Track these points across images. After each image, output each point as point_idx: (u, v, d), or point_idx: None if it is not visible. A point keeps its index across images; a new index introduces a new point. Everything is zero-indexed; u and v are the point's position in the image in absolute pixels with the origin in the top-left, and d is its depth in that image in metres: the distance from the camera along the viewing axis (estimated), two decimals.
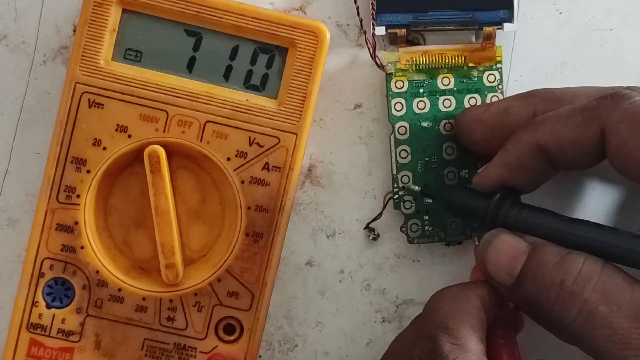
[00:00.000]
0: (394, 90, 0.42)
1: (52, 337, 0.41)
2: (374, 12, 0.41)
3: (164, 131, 0.41)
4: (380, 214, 0.43)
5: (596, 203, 0.43)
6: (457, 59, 0.42)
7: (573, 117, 0.37)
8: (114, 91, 0.40)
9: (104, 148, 0.40)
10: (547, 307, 0.35)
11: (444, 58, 0.42)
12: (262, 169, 0.41)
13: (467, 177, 0.42)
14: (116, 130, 0.40)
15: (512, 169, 0.38)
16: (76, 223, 0.41)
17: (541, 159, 0.38)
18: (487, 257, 0.37)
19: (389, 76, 0.42)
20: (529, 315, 0.38)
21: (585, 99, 0.38)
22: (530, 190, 0.40)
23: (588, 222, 0.37)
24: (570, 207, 0.43)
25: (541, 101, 0.39)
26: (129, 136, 0.40)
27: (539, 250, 0.36)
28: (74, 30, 0.42)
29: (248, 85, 0.41)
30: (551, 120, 0.37)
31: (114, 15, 0.40)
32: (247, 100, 0.41)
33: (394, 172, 0.42)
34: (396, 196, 0.42)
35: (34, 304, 0.41)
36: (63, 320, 0.41)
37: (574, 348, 0.36)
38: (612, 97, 0.36)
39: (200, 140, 0.41)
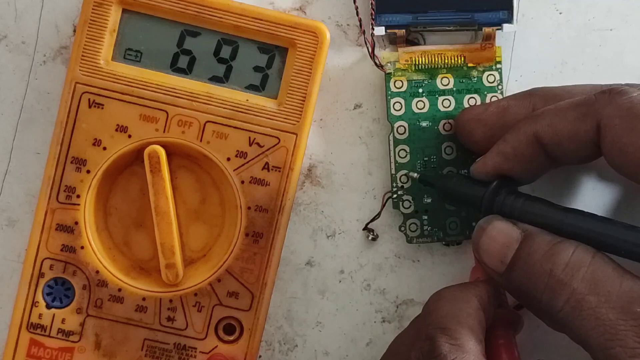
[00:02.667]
0: (393, 90, 0.42)
1: (52, 337, 0.41)
2: (373, 12, 0.41)
3: (164, 131, 0.41)
4: (379, 214, 0.43)
5: (592, 199, 0.43)
6: (456, 59, 0.42)
7: (571, 111, 0.37)
8: (114, 91, 0.40)
9: (104, 148, 0.40)
10: (536, 295, 0.35)
11: (443, 58, 0.42)
12: (262, 169, 0.41)
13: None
14: (116, 130, 0.40)
15: (509, 159, 0.38)
16: (76, 223, 0.41)
17: (538, 150, 0.38)
18: (481, 243, 0.38)
19: (388, 76, 0.42)
20: (521, 302, 0.38)
21: (584, 96, 0.38)
22: (527, 182, 0.40)
23: (583, 212, 0.37)
24: (566, 202, 0.43)
25: (540, 99, 0.39)
26: (129, 136, 0.40)
27: (530, 238, 0.36)
28: (74, 30, 0.42)
29: (248, 85, 0.41)
30: (550, 113, 0.38)
31: (114, 15, 0.40)
32: (247, 100, 0.41)
33: (393, 171, 0.42)
34: (395, 195, 0.42)
35: (34, 304, 0.41)
36: (63, 320, 0.41)
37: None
38: (610, 92, 0.36)
39: (200, 140, 0.41)
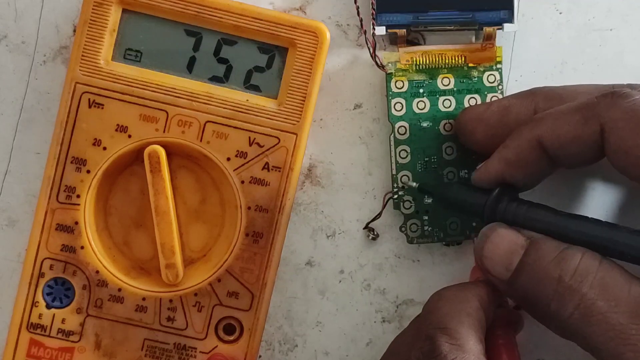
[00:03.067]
0: (394, 90, 0.42)
1: (52, 337, 0.41)
2: (374, 12, 0.41)
3: (164, 131, 0.41)
4: (379, 214, 0.43)
5: (596, 202, 0.43)
6: (457, 59, 0.42)
7: (573, 115, 0.37)
8: (114, 91, 0.40)
9: (104, 148, 0.40)
10: (544, 301, 0.35)
11: (444, 58, 0.42)
12: (262, 169, 0.41)
13: (467, 178, 0.42)
14: (116, 130, 0.40)
15: (512, 165, 0.38)
16: (76, 223, 0.41)
17: (541, 155, 0.38)
18: (484, 250, 0.37)
19: (389, 76, 0.42)
20: (526, 309, 0.38)
21: (585, 96, 0.38)
22: (529, 188, 0.40)
23: (587, 217, 0.37)
24: (569, 206, 0.43)
25: (542, 99, 0.39)
26: (129, 136, 0.40)
27: (537, 245, 0.36)
28: (74, 30, 0.42)
29: (248, 85, 0.41)
30: (551, 117, 0.37)
31: (114, 15, 0.40)
32: (247, 100, 0.41)
33: (394, 172, 0.42)
34: (396, 196, 0.42)
35: (34, 304, 0.41)
36: (63, 320, 0.41)
37: (573, 348, 0.36)
38: (612, 95, 0.36)
39: (200, 140, 0.41)
